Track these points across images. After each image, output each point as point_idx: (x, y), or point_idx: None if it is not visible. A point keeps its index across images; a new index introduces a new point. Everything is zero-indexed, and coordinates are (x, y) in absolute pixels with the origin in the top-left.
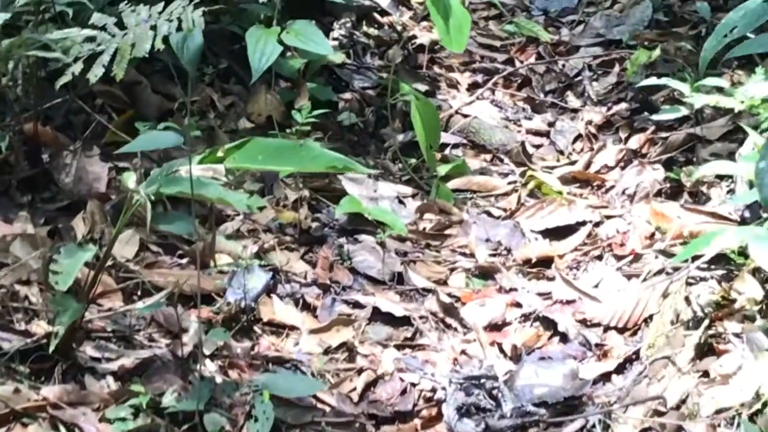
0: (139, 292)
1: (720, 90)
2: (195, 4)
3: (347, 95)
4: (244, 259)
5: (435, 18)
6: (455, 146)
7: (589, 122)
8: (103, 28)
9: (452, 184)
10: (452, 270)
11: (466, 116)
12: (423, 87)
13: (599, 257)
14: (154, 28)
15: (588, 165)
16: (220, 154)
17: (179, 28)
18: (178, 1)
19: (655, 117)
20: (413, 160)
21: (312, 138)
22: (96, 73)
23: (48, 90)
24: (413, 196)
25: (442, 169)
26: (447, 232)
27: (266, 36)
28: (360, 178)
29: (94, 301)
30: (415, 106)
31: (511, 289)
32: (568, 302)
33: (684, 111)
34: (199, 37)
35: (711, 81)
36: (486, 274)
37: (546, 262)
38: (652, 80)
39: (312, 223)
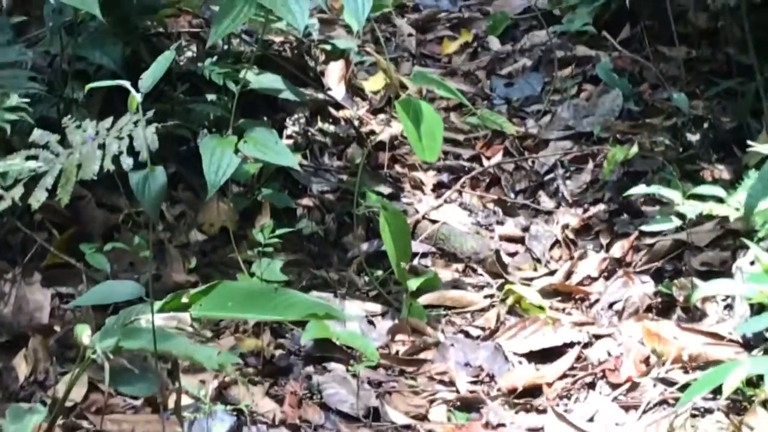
0: None
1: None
2: (147, 120)
3: (306, 201)
4: (206, 404)
5: (405, 124)
6: (424, 255)
7: (566, 226)
8: (46, 147)
9: (424, 299)
10: (432, 402)
11: (434, 222)
12: (386, 189)
13: (591, 385)
14: (102, 146)
15: (569, 275)
16: (184, 300)
17: (131, 147)
18: (127, 116)
19: (645, 228)
20: (380, 272)
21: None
22: (38, 197)
23: None
24: (383, 314)
25: (413, 283)
26: (422, 356)
27: (222, 147)
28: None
29: None
30: (383, 218)
31: (498, 425)
32: None
33: (676, 221)
34: (162, 176)
35: (704, 189)
36: (469, 406)
37: (533, 390)
38: (641, 188)
39: (275, 350)
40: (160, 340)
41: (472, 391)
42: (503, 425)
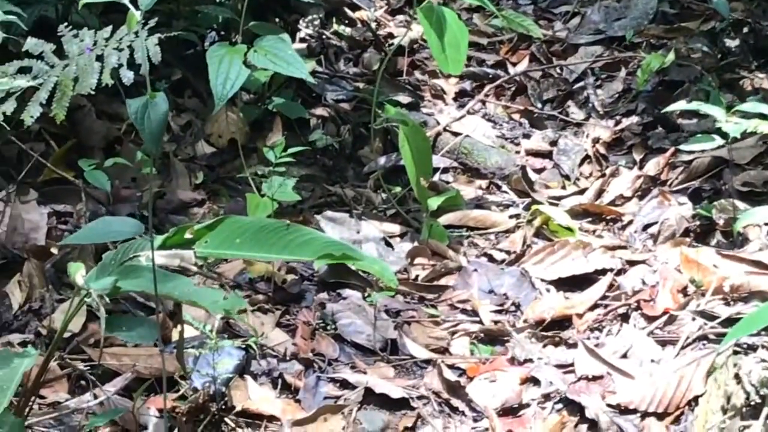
0: (88, 378)
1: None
2: (150, 28)
3: (320, 110)
4: (212, 338)
5: (428, 34)
6: (445, 170)
7: (596, 140)
8: (40, 57)
9: (445, 219)
10: (453, 333)
11: (456, 134)
12: (405, 99)
13: (625, 317)
14: (100, 58)
15: (599, 194)
16: (188, 235)
17: (131, 59)
18: None
19: (685, 147)
20: (398, 189)
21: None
22: (32, 113)
23: None
24: (401, 236)
25: (434, 202)
26: (443, 281)
27: (230, 56)
28: (340, 218)
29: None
30: (403, 134)
31: (525, 360)
32: (595, 378)
33: (719, 141)
34: (163, 104)
35: (748, 106)
36: (493, 338)
37: (562, 321)
38: (681, 104)
39: (287, 275)
40: (162, 281)
41: (496, 322)
42: (530, 360)
